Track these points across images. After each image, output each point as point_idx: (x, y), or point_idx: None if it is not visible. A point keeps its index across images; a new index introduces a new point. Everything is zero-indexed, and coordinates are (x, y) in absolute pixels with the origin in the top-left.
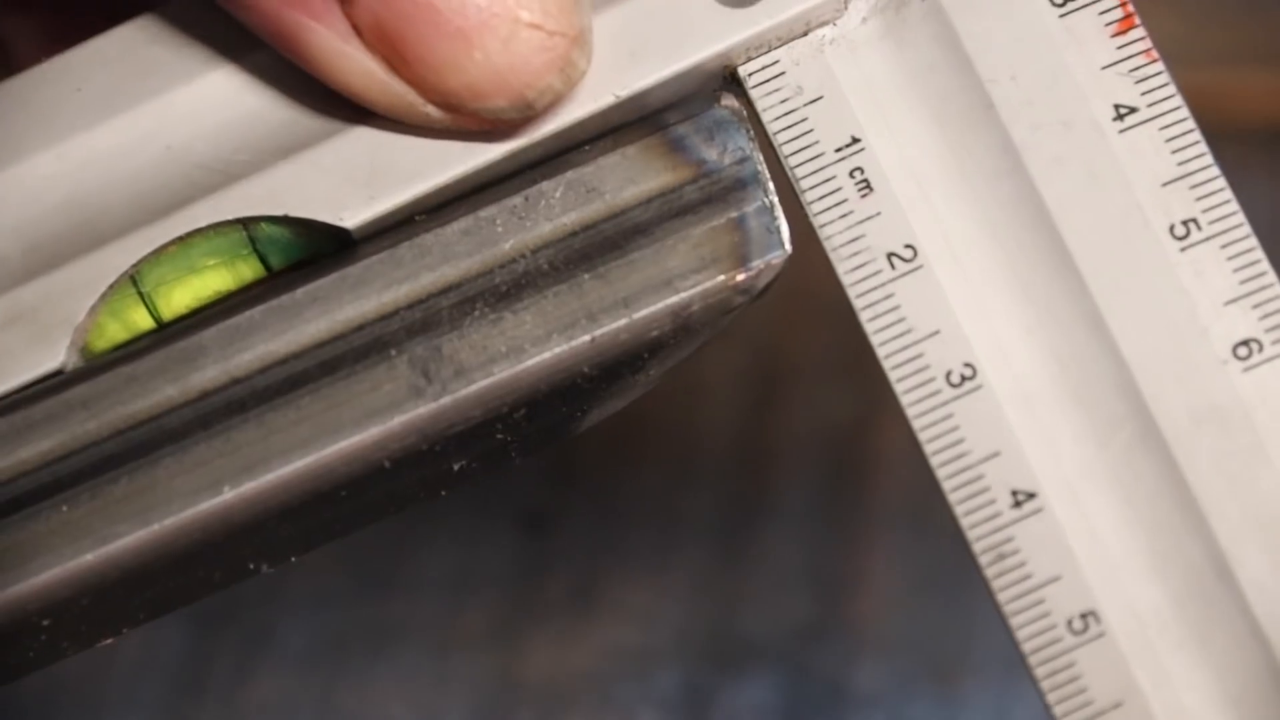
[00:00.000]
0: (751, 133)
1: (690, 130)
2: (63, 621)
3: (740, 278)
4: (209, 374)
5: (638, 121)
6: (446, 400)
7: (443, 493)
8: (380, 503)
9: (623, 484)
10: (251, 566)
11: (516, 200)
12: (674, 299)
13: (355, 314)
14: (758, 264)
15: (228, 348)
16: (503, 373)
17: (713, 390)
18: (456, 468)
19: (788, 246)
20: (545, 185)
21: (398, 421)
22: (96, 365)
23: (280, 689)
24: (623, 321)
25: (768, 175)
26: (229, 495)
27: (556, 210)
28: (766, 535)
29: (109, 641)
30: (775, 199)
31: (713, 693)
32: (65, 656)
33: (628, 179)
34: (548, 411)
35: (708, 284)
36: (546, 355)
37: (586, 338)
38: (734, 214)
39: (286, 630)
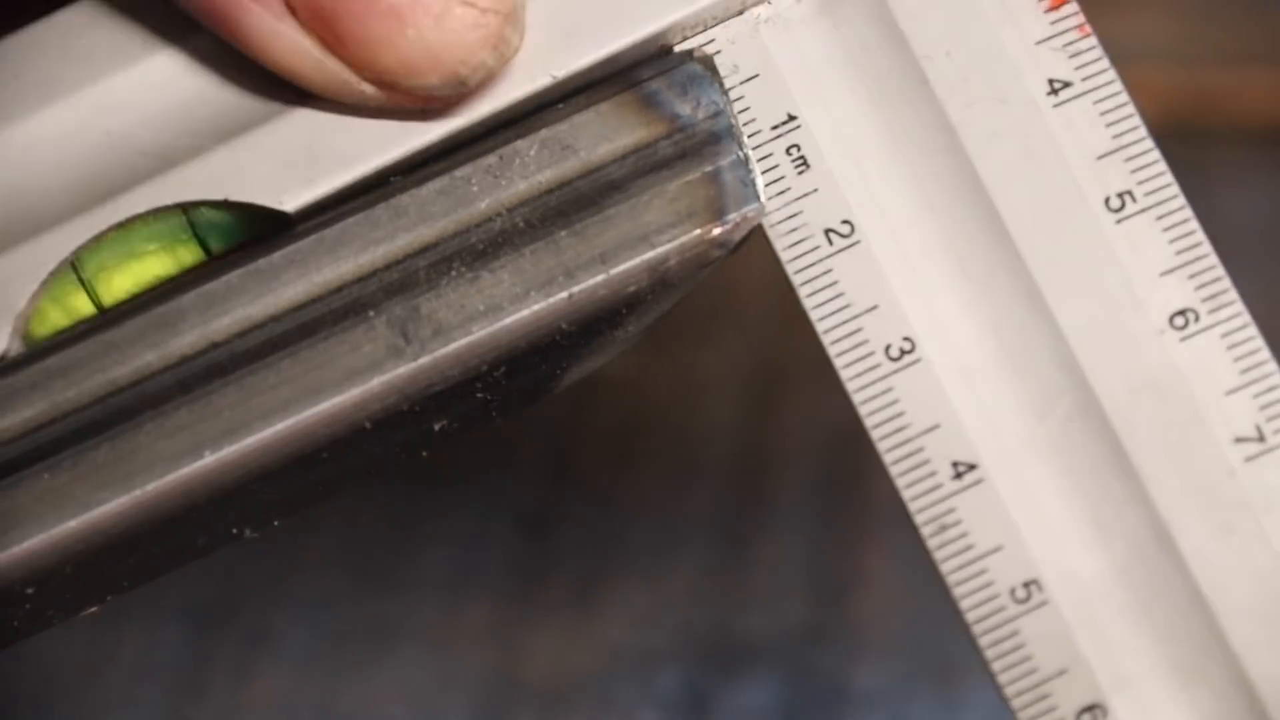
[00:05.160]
0: (725, 87)
1: (663, 86)
2: (47, 589)
3: (717, 231)
4: (188, 339)
5: (610, 78)
6: (425, 360)
7: (424, 453)
8: (362, 465)
9: (623, 484)
10: (235, 531)
11: (491, 159)
12: (651, 254)
13: (333, 276)
14: (734, 217)
15: (206, 312)
16: (481, 331)
17: (713, 390)
18: (438, 428)
19: (763, 199)
20: (520, 144)
21: (377, 382)
22: (74, 334)
23: (280, 689)
24: (600, 277)
25: (741, 129)
26: (210, 459)
27: (532, 168)
28: (766, 535)
29: (94, 610)
30: (750, 152)
31: (713, 693)
32: (50, 625)
33: (602, 135)
34: (527, 369)
35: (684, 238)
36: (525, 313)
37: (564, 294)
38: (709, 168)
39: (286, 630)
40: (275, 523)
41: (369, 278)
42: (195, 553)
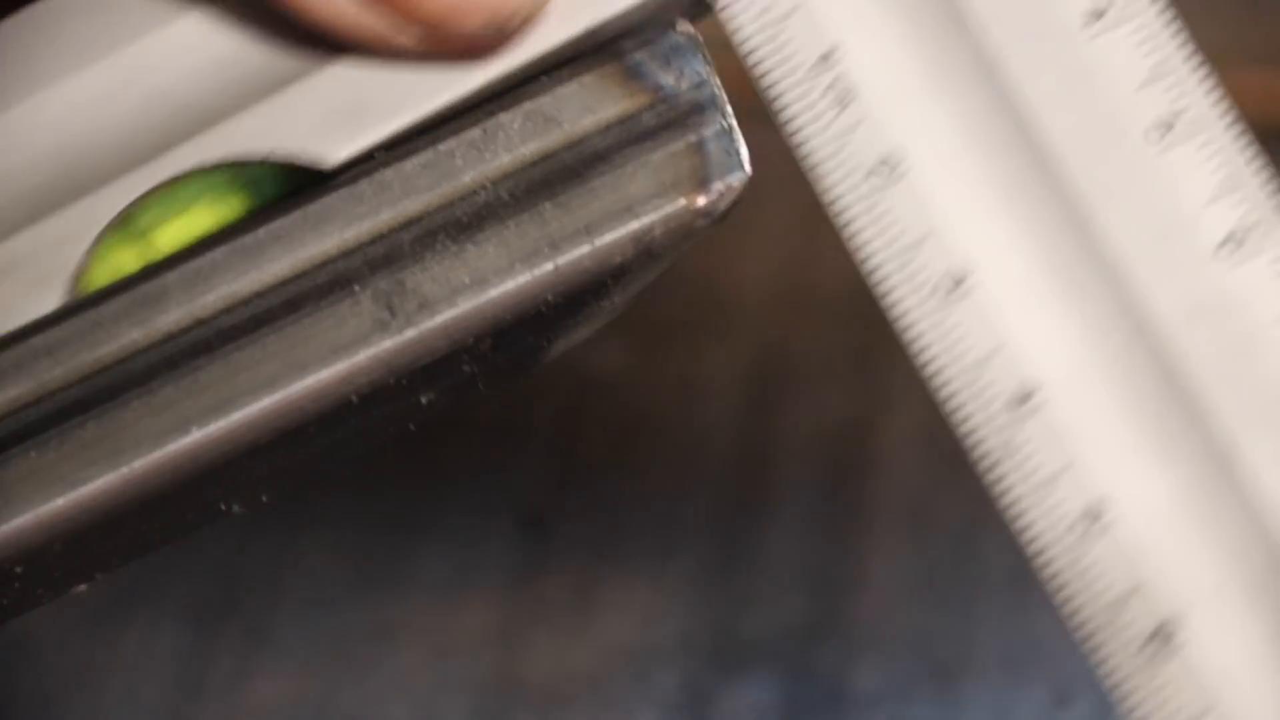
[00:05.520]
0: (708, 56)
1: (646, 57)
2: (36, 568)
3: (701, 201)
4: (173, 316)
5: (594, 50)
6: (411, 333)
7: (411, 426)
8: (350, 439)
9: (623, 484)
10: (224, 508)
11: (475, 133)
12: (635, 224)
13: (317, 251)
14: (718, 187)
15: (191, 289)
16: (467, 304)
17: (713, 390)
18: (425, 401)
19: (747, 169)
20: (503, 117)
21: (364, 356)
22: (60, 312)
23: (280, 689)
24: (585, 249)
25: (725, 99)
26: (197, 435)
27: (515, 141)
28: (766, 535)
29: (82, 588)
30: (734, 122)
31: (713, 693)
32: (40, 604)
33: (585, 107)
34: (514, 341)
35: (669, 208)
36: (510, 285)
37: (550, 266)
38: (693, 138)
39: (286, 630)
40: (264, 498)
41: (354, 252)
42: (184, 529)
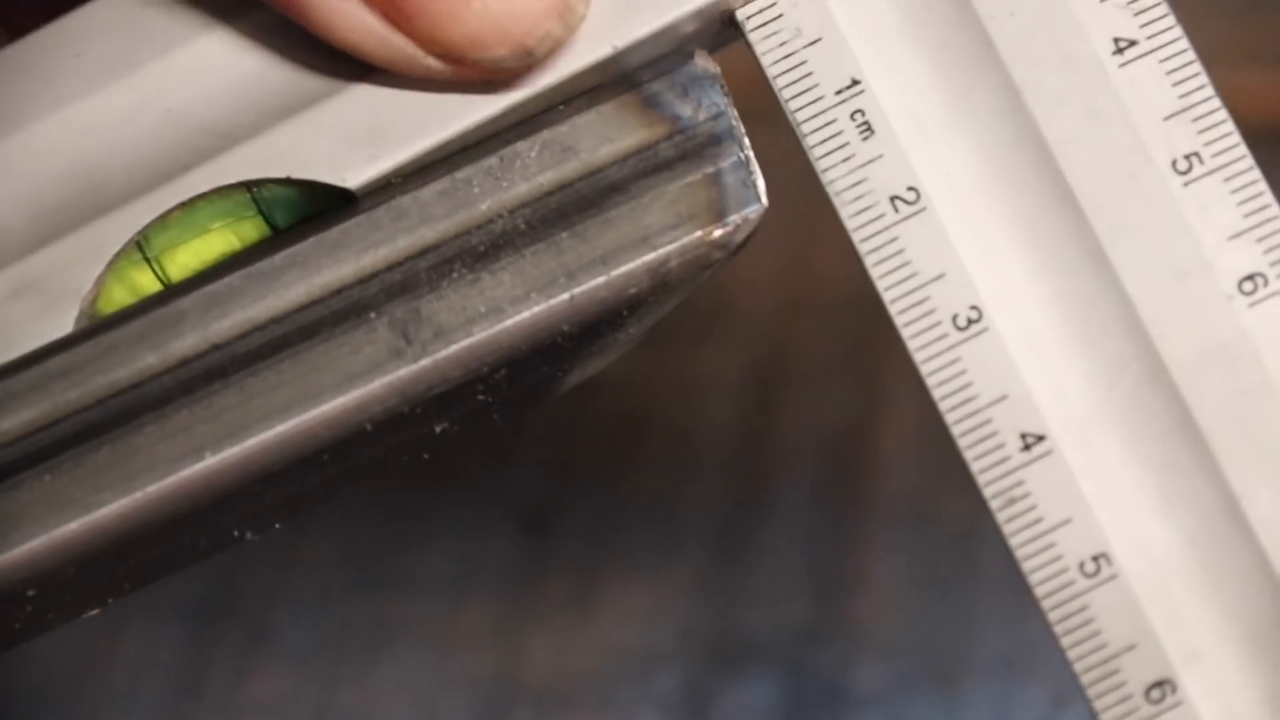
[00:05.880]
0: (726, 88)
1: (664, 87)
2: (49, 591)
3: (717, 233)
4: (188, 341)
5: (612, 80)
6: (426, 362)
7: (425, 455)
8: (364, 467)
9: (623, 484)
10: (236, 534)
11: (492, 161)
12: (652, 256)
13: (333, 278)
14: (734, 219)
15: (206, 314)
16: (482, 333)
17: (713, 390)
18: (439, 430)
19: (764, 200)
20: (521, 145)
21: (378, 384)
22: (76, 335)
23: (280, 689)
24: (601, 279)
25: (743, 130)
26: (211, 461)
27: (533, 170)
28: (766, 535)
29: (95, 612)
30: (751, 154)
31: (713, 693)
32: (52, 628)
33: (603, 137)
34: (529, 371)
35: (685, 240)
36: (525, 314)
37: (565, 296)
38: (710, 170)
39: (286, 630)
40: (276, 525)
41: (370, 279)
42: (196, 555)
